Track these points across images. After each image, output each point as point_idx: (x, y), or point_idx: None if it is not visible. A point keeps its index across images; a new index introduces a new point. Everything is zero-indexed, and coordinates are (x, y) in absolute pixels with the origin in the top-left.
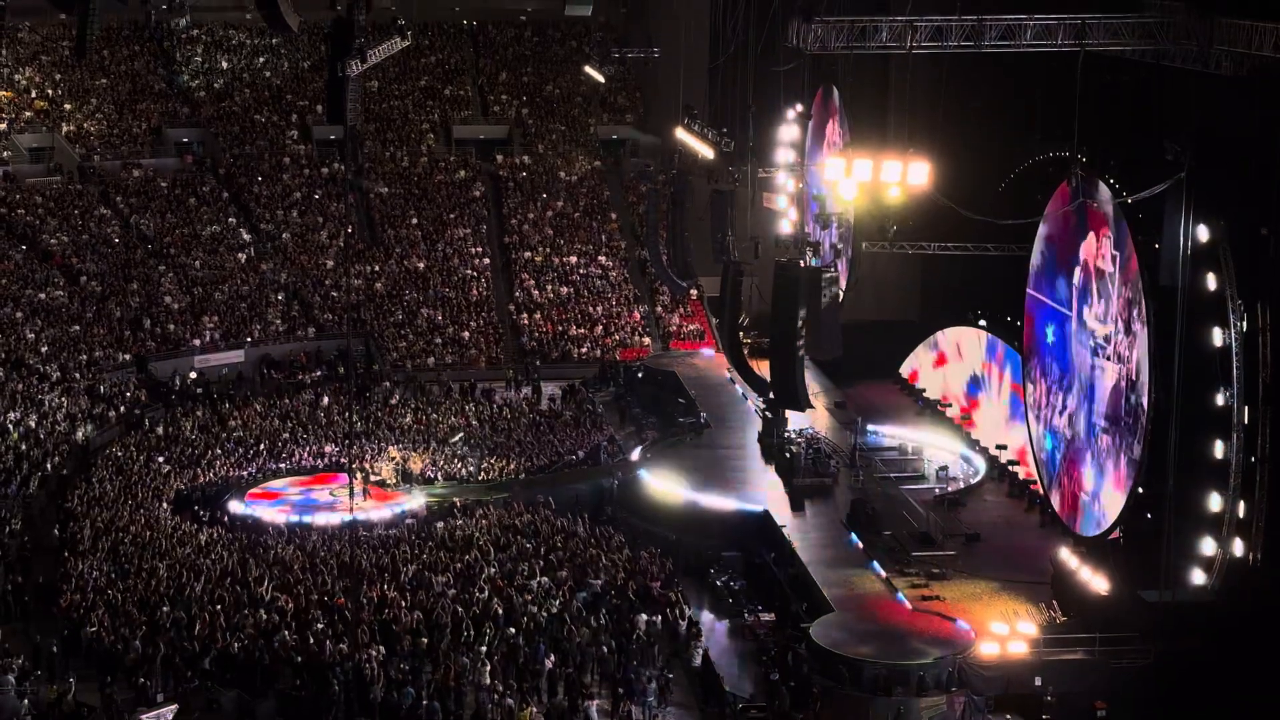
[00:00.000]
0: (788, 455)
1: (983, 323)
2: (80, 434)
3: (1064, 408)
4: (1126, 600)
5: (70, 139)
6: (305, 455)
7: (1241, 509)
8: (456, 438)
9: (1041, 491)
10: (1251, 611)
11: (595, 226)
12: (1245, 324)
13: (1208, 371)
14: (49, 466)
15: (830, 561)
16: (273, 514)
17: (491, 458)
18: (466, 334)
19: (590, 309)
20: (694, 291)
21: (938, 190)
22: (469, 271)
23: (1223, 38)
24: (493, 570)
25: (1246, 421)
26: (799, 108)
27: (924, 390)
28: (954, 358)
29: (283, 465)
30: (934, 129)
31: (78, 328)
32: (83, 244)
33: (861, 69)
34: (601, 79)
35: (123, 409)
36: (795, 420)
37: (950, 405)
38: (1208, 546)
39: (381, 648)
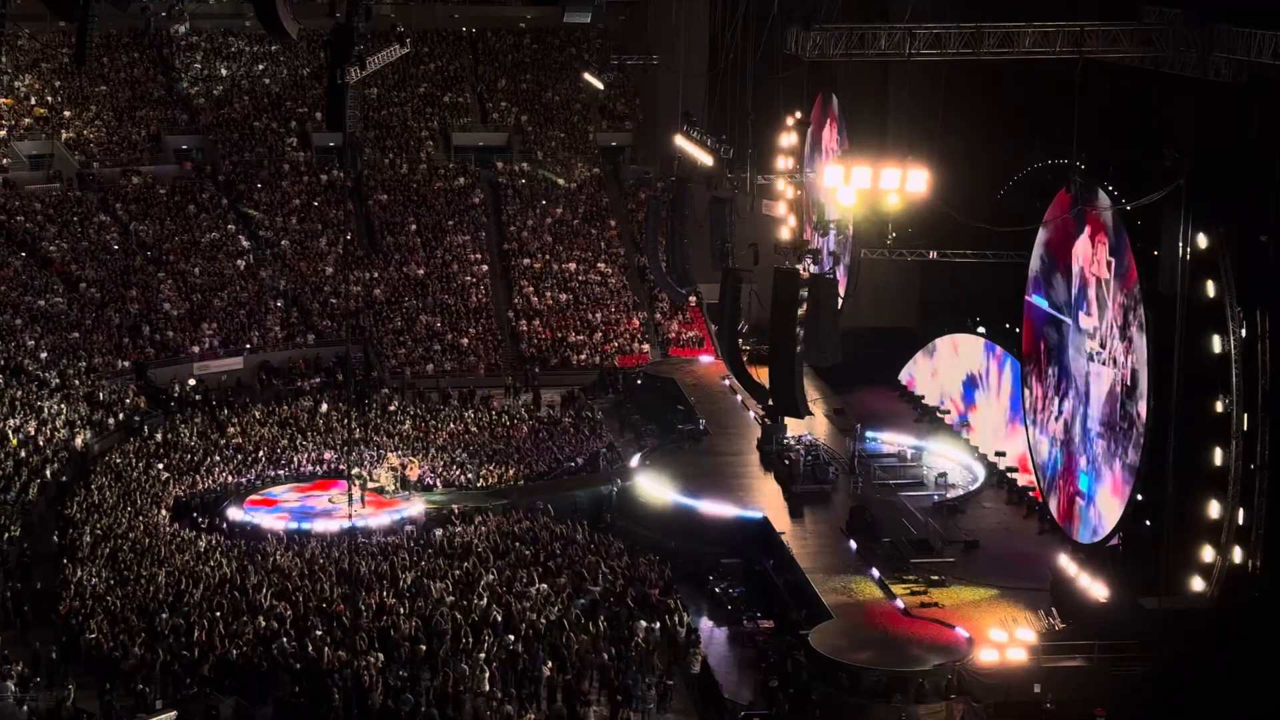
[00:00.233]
0: (786, 462)
1: (981, 330)
2: (79, 441)
3: (1060, 412)
4: (1126, 607)
5: (70, 146)
6: (304, 462)
7: (1241, 516)
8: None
9: (1040, 498)
10: (1251, 619)
11: (594, 233)
12: (1244, 331)
13: (1207, 379)
14: (48, 473)
15: (829, 568)
16: (272, 521)
17: (490, 464)
18: (466, 341)
19: (589, 316)
20: (693, 298)
21: (937, 197)
22: (468, 278)
23: (1221, 45)
24: (491, 577)
25: (1246, 429)
26: (798, 115)
27: (923, 397)
28: (950, 357)
29: (282, 472)
30: (933, 136)
31: (77, 334)
32: (82, 251)
33: (860, 76)
34: (601, 86)
35: (122, 416)
36: (794, 427)
37: (949, 411)
38: (1207, 554)
39: (380, 655)
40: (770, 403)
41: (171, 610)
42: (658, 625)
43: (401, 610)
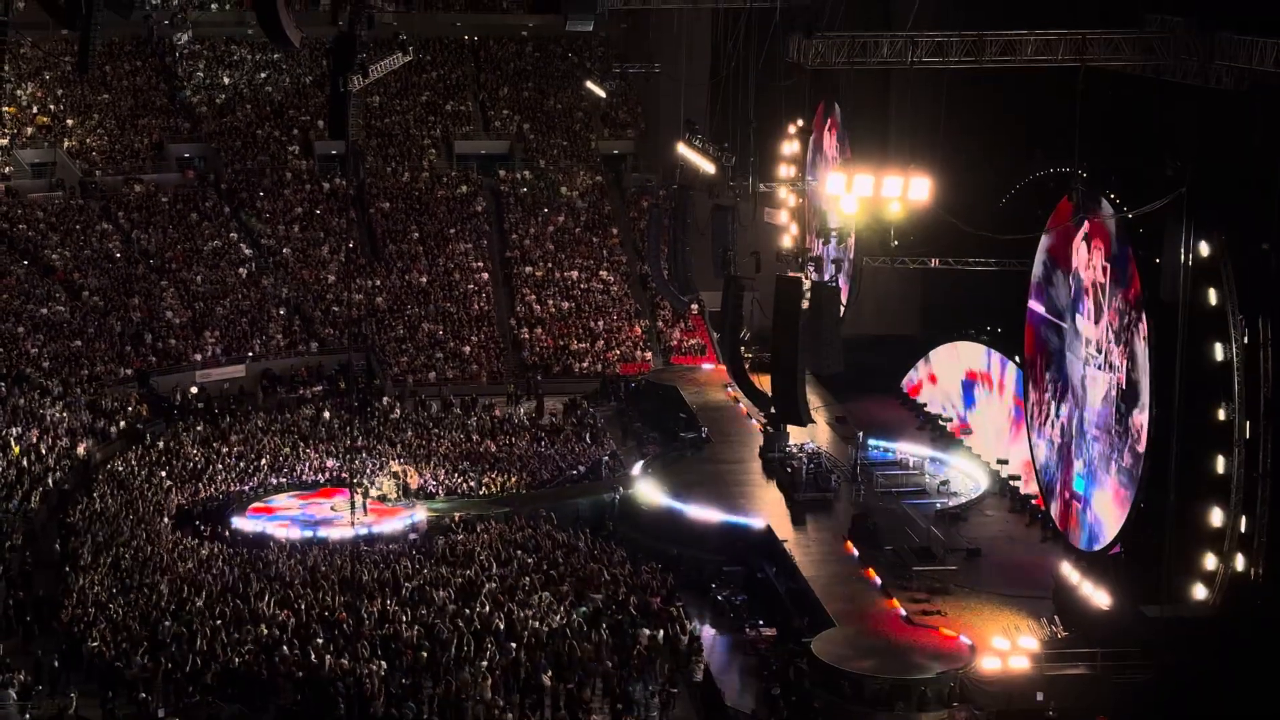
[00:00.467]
0: (789, 470)
1: (984, 338)
2: (82, 449)
3: (1057, 416)
4: (1128, 615)
5: (72, 154)
6: (306, 470)
7: (1243, 524)
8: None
9: (1041, 504)
10: (1253, 626)
11: (596, 241)
12: (1246, 339)
13: (1209, 386)
14: (50, 481)
15: (831, 576)
16: (274, 529)
17: (493, 472)
18: (468, 349)
19: (591, 324)
20: (695, 306)
21: (939, 205)
22: (470, 286)
23: (1223, 53)
24: (493, 585)
25: (1248, 436)
26: (800, 122)
27: (925, 405)
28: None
29: (283, 480)
30: (935, 144)
31: (79, 343)
32: (84, 259)
33: (862, 84)
34: (603, 94)
35: (124, 424)
36: (796, 435)
37: (951, 419)
38: (1209, 562)
39: (383, 663)
40: (772, 410)
41: (174, 618)
42: (660, 633)
43: (404, 618)
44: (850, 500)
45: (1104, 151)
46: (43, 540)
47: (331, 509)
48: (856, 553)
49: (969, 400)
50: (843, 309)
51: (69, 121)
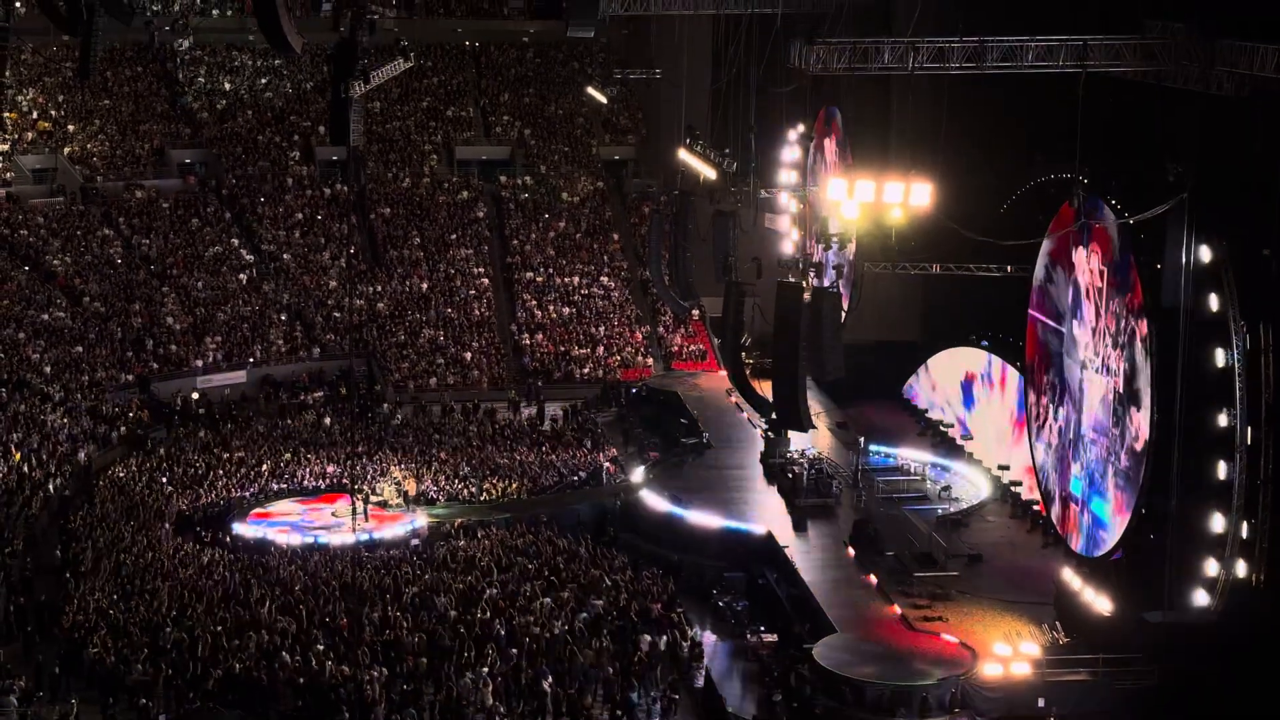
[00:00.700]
0: (790, 476)
1: (985, 344)
2: (82, 455)
3: (1055, 419)
4: (1130, 621)
5: (73, 160)
6: (307, 476)
7: (1245, 530)
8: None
9: (1043, 510)
10: (1255, 632)
11: (597, 247)
12: (1248, 344)
13: (1210, 392)
14: (51, 487)
15: (833, 582)
16: (275, 534)
17: (494, 478)
18: (469, 354)
19: (592, 329)
20: (696, 312)
21: (940, 211)
22: (471, 292)
23: (1224, 59)
24: (494, 591)
25: (1250, 442)
26: (801, 128)
27: (926, 410)
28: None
29: (284, 486)
30: (936, 150)
31: (80, 348)
32: (85, 265)
33: (863, 90)
34: (604, 100)
35: (125, 430)
36: (797, 440)
37: (952, 424)
38: (1211, 567)
39: (383, 669)
40: (773, 416)
41: (174, 624)
42: (661, 639)
43: (405, 624)
44: (851, 506)
45: (1105, 157)
46: (44, 546)
47: (332, 515)
48: (853, 552)
49: (968, 401)
50: (844, 315)
51: (70, 127)
